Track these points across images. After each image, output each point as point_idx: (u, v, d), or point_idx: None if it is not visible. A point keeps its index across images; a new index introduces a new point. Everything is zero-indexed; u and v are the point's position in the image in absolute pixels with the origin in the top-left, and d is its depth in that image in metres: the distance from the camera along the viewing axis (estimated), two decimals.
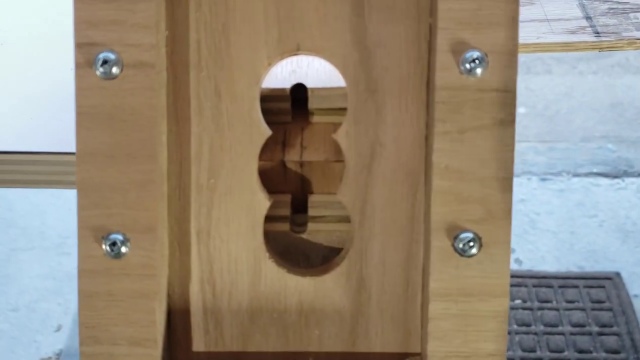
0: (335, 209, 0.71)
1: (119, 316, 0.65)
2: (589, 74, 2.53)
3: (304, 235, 0.72)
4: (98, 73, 0.63)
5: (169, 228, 0.68)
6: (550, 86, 2.50)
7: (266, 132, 0.67)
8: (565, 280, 1.92)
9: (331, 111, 0.72)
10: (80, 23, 0.63)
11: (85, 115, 0.64)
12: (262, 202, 0.68)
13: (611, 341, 1.78)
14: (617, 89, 2.49)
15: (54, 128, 0.93)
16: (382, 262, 0.68)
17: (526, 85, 2.46)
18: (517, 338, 1.79)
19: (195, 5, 0.66)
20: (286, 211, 0.71)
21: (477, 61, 0.62)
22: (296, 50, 0.66)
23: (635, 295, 1.89)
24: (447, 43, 0.63)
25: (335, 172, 0.71)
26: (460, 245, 0.64)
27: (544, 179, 2.22)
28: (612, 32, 1.01)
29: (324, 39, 0.66)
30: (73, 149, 0.65)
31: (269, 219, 0.68)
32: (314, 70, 0.73)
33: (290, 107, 0.72)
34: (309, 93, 0.71)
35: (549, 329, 1.81)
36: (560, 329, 1.81)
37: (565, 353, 1.76)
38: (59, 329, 1.84)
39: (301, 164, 0.72)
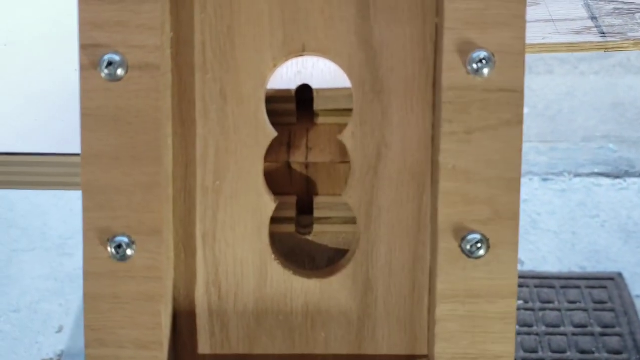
0: (341, 211, 0.71)
1: (124, 319, 0.65)
2: (591, 74, 2.53)
3: (310, 237, 0.72)
4: (103, 75, 0.63)
5: (175, 231, 0.67)
6: (552, 86, 2.50)
7: (272, 133, 0.67)
8: (567, 281, 1.92)
9: (337, 112, 0.71)
10: (85, 24, 0.63)
11: (90, 117, 0.63)
12: (268, 204, 0.67)
13: (613, 342, 1.78)
14: (618, 89, 2.49)
15: (57, 129, 0.93)
16: (389, 264, 0.68)
17: (528, 86, 2.46)
18: (519, 339, 1.79)
19: (200, 7, 0.66)
20: (292, 213, 0.71)
21: (484, 61, 0.62)
22: (301, 52, 0.66)
23: (638, 296, 1.89)
24: (453, 43, 0.63)
25: (341, 174, 0.71)
26: (468, 247, 0.64)
27: (545, 179, 2.22)
28: (618, 33, 1.01)
29: (329, 40, 0.66)
30: (76, 151, 0.65)
31: (274, 220, 0.68)
32: (319, 71, 0.73)
33: (296, 108, 0.72)
34: (315, 94, 0.71)
35: (551, 330, 1.81)
36: (562, 329, 1.81)
37: (568, 354, 1.76)
38: (60, 330, 1.84)
39: (307, 166, 0.71)
